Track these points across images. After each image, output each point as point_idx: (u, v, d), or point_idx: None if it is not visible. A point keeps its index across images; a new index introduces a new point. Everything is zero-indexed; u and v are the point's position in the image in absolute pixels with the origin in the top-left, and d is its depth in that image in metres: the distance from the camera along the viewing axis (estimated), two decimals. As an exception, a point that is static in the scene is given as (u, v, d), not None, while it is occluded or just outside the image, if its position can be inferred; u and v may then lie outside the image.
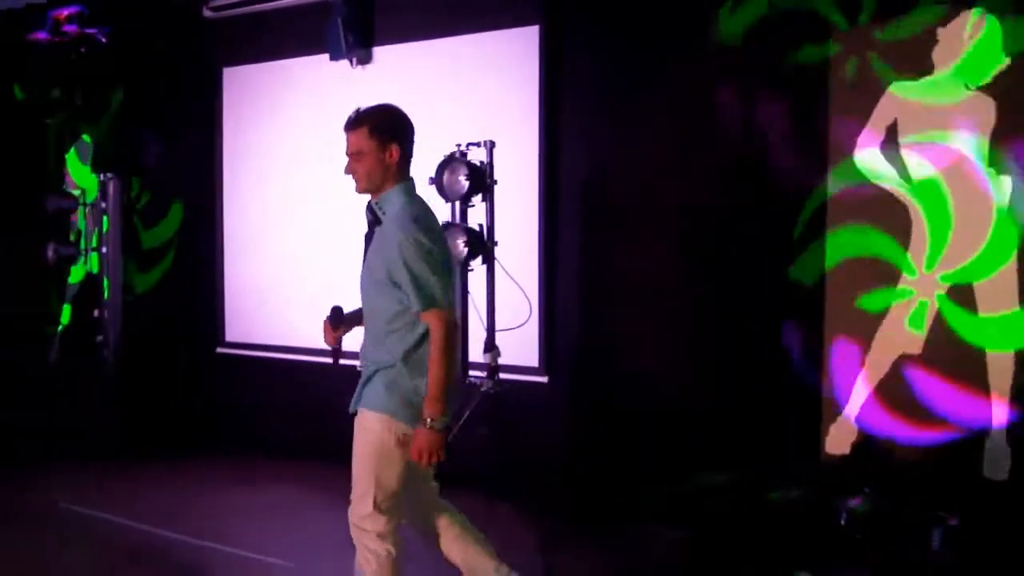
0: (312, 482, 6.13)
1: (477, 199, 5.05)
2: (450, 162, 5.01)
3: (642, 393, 5.37)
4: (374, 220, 3.33)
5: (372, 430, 3.28)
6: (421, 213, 3.26)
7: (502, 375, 5.10)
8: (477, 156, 5.05)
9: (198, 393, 7.26)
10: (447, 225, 4.99)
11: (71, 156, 8.02)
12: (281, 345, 6.84)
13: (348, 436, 6.38)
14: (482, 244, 5.03)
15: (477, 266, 5.06)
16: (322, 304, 6.63)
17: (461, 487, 5.56)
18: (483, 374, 5.04)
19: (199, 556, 4.87)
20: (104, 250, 7.03)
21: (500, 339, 5.08)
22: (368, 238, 3.39)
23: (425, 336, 3.22)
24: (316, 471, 6.33)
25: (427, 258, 3.13)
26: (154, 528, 5.21)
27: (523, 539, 4.77)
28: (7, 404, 7.71)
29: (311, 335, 6.53)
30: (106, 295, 7.01)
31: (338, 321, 3.52)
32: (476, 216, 5.06)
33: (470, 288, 5.08)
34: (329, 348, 3.57)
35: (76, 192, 7.56)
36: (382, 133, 3.25)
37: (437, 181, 5.01)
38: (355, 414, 3.39)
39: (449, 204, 5.05)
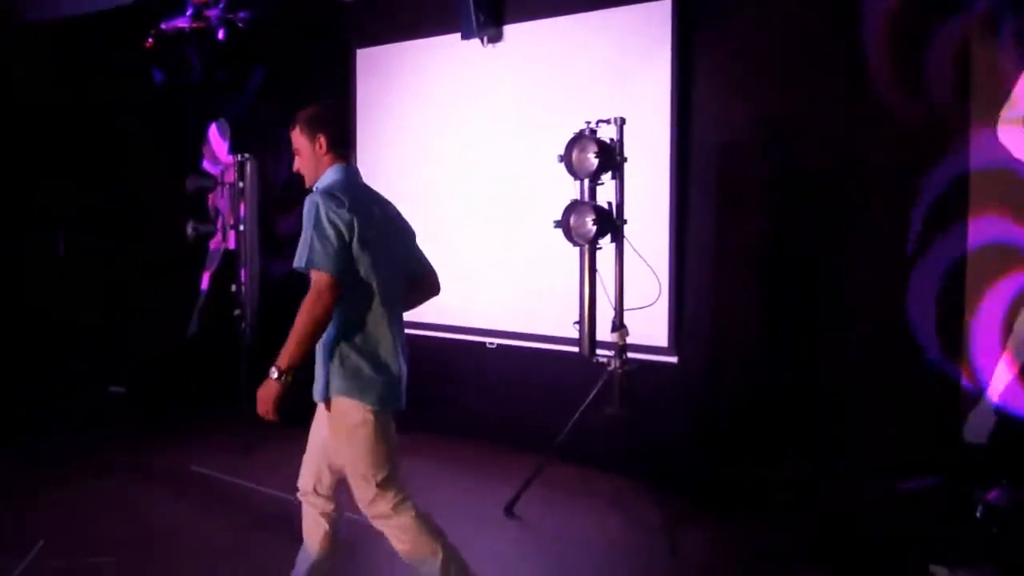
0: (433, 456, 6.22)
1: (606, 177, 5.00)
2: (579, 139, 4.97)
3: (772, 375, 5.26)
4: None
5: (345, 416, 3.40)
6: (340, 186, 3.36)
7: (630, 354, 5.05)
8: (607, 133, 4.99)
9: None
10: (575, 203, 4.96)
11: (210, 137, 8.31)
12: (410, 321, 6.91)
13: (472, 411, 6.48)
14: (611, 222, 4.97)
15: (606, 244, 5.02)
16: (453, 281, 6.74)
17: (587, 465, 5.61)
18: (611, 353, 5.01)
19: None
20: (242, 228, 7.26)
21: (628, 318, 5.03)
22: None
23: (365, 312, 3.35)
24: (438, 445, 6.44)
25: (320, 223, 3.21)
26: (281, 493, 5.36)
27: (648, 518, 4.74)
28: (149, 373, 8.10)
29: (438, 311, 6.70)
30: (243, 271, 7.24)
31: None
32: (605, 194, 5.01)
33: (599, 267, 5.04)
34: None
35: (215, 172, 7.84)
36: (310, 127, 3.46)
37: (566, 159, 4.98)
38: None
39: (578, 182, 5.01)
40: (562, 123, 5.20)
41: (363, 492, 3.40)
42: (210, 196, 7.90)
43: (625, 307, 5.03)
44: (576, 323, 5.06)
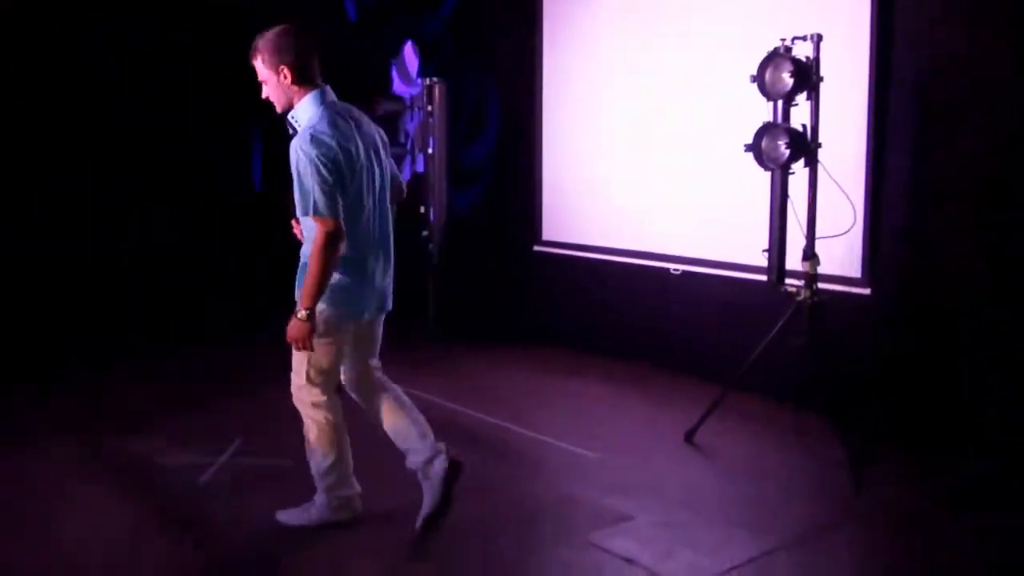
0: (620, 379, 6.25)
1: (801, 98, 4.76)
2: (773, 58, 4.75)
3: (969, 313, 4.94)
4: (292, 132, 3.54)
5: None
6: (323, 124, 3.44)
7: (820, 284, 4.86)
8: (802, 51, 4.75)
9: (514, 288, 7.56)
10: (768, 126, 4.77)
11: (404, 60, 8.45)
12: (593, 245, 6.94)
13: (653, 337, 6.44)
14: (804, 146, 4.75)
15: (799, 169, 4.80)
16: (631, 208, 6.67)
17: (769, 397, 5.49)
18: (800, 283, 4.83)
19: (505, 435, 5.15)
20: (431, 150, 7.40)
21: (820, 247, 4.82)
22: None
23: (354, 232, 3.55)
24: (624, 369, 6.45)
25: (316, 171, 3.35)
26: (464, 408, 5.52)
27: (831, 454, 4.60)
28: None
29: (620, 236, 6.66)
30: (431, 195, 7.39)
31: None
32: (799, 116, 4.79)
33: (790, 193, 4.85)
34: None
35: (406, 96, 7.98)
36: (271, 57, 3.49)
37: (759, 79, 4.77)
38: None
39: (770, 103, 4.81)
40: (756, 42, 4.98)
41: (296, 379, 3.74)
42: (400, 120, 8.06)
43: (817, 235, 4.83)
44: (765, 251, 4.90)
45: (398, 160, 7.91)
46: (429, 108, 7.40)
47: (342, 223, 3.42)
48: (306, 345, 3.51)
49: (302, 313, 3.46)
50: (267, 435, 4.86)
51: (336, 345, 3.70)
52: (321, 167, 3.36)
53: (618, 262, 6.67)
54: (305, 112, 3.52)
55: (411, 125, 7.99)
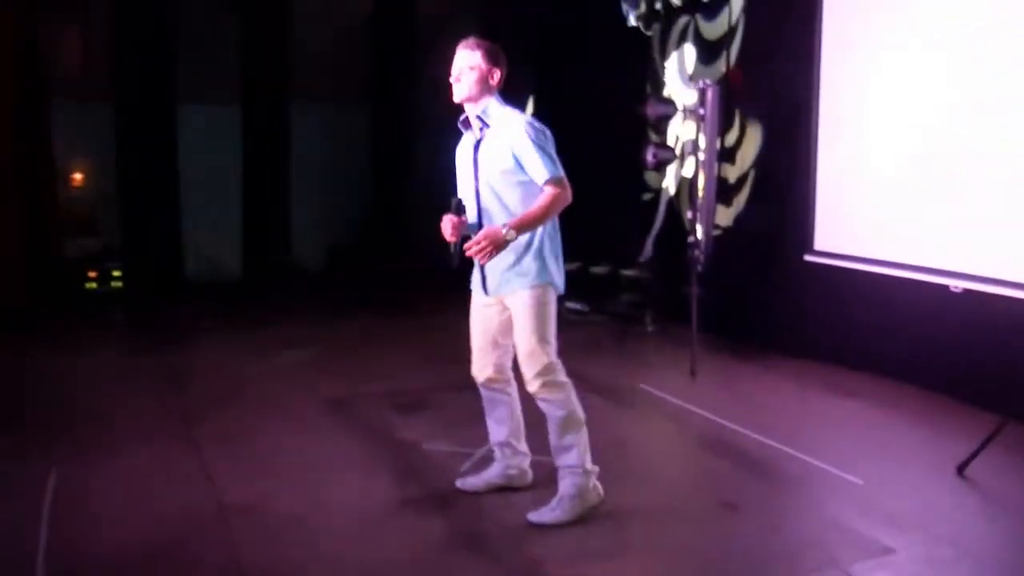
0: (889, 401, 5.92)
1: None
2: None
3: None
4: (480, 128, 3.98)
5: (537, 300, 3.94)
6: (530, 117, 3.99)
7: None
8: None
9: (783, 298, 7.34)
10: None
11: (672, 63, 8.42)
12: (867, 257, 6.57)
13: (937, 361, 6.01)
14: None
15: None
16: (908, 218, 6.24)
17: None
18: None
19: (770, 453, 4.98)
20: (700, 155, 7.32)
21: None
22: (474, 148, 4.02)
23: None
24: (893, 390, 6.11)
25: (549, 142, 3.88)
26: (730, 423, 5.43)
27: None
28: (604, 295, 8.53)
29: (897, 247, 6.28)
30: (700, 197, 7.31)
31: (461, 211, 3.95)
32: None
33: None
34: (451, 245, 3.91)
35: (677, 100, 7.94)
36: (491, 58, 3.96)
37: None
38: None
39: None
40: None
41: (541, 360, 3.95)
42: (669, 123, 8.03)
43: None
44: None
45: (665, 163, 7.89)
46: (701, 111, 7.32)
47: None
48: (485, 256, 3.70)
49: (511, 233, 3.72)
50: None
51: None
52: (549, 140, 3.90)
53: (894, 276, 6.28)
54: (497, 111, 3.99)
55: (682, 129, 7.94)
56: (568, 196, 3.85)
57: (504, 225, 3.74)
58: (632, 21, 8.70)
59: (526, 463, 4.36)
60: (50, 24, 9.41)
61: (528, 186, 3.89)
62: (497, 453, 4.36)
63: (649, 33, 8.74)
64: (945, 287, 5.90)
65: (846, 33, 6.77)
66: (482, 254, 3.70)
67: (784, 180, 7.38)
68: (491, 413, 4.30)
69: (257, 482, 4.49)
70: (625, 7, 8.71)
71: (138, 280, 9.73)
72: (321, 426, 5.45)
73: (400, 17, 11.00)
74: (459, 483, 4.39)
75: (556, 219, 4.01)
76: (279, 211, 10.62)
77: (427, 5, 10.96)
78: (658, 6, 8.46)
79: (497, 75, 3.97)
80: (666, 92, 8.34)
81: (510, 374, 4.25)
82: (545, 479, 4.25)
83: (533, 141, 3.84)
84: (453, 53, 4.01)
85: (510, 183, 3.91)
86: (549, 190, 3.81)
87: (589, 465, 4.03)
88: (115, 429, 5.34)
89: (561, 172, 3.84)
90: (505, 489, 4.31)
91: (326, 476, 4.61)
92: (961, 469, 4.67)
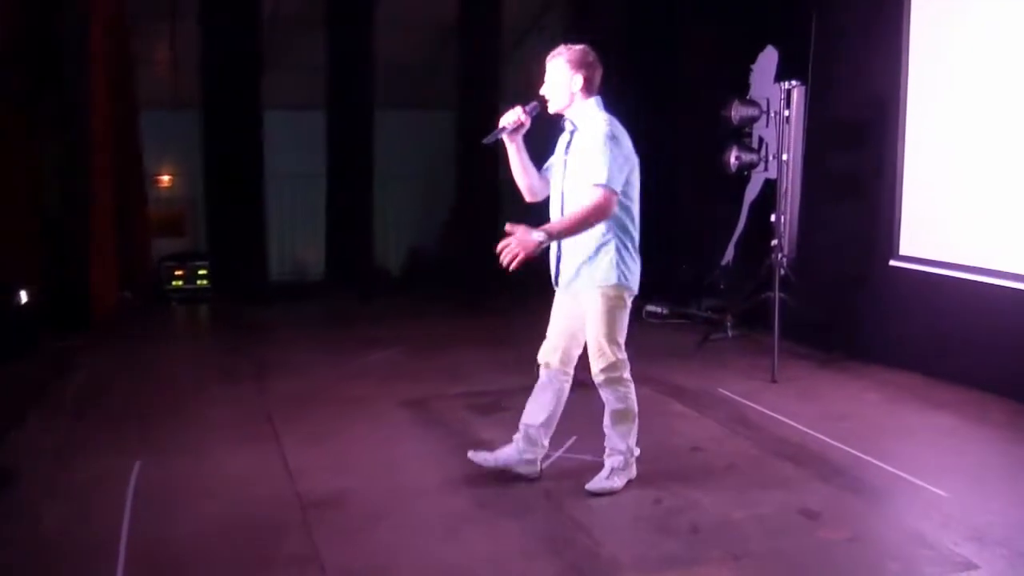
0: (977, 413, 5.75)
1: None
2: None
3: None
4: (571, 130, 4.16)
5: (608, 301, 4.12)
6: (617, 126, 4.08)
7: None
8: None
9: (867, 304, 7.18)
10: None
11: (760, 64, 8.32)
12: (960, 264, 6.39)
13: (1016, 370, 5.82)
14: None
15: None
16: (1000, 223, 6.05)
17: None
18: None
19: (855, 463, 4.88)
20: (785, 157, 7.21)
21: None
22: (566, 147, 4.18)
23: (627, 222, 4.13)
24: (982, 401, 5.93)
25: (618, 152, 3.97)
26: (814, 431, 5.34)
27: None
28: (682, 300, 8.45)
29: (987, 254, 6.09)
30: (784, 202, 7.21)
31: (534, 112, 4.12)
32: None
33: None
34: (511, 123, 4.11)
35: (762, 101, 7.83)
36: (571, 65, 4.08)
37: None
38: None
39: None
40: None
41: (610, 356, 4.16)
42: (755, 125, 7.92)
43: None
44: None
45: (749, 167, 7.79)
46: (786, 113, 7.22)
47: (620, 199, 4.01)
48: (519, 261, 3.72)
49: (543, 236, 3.79)
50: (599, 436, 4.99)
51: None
52: (621, 151, 4.00)
53: (983, 283, 6.10)
54: (585, 113, 4.11)
55: (767, 131, 7.83)
56: (610, 210, 3.96)
57: (541, 228, 3.82)
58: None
59: (540, 456, 4.49)
60: (140, 34, 9.69)
61: None
62: (521, 434, 4.45)
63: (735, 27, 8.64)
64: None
65: (934, 33, 6.61)
66: (512, 260, 3.74)
67: (869, 182, 7.22)
68: (537, 396, 4.42)
69: (338, 479, 4.58)
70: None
71: (224, 280, 9.96)
72: (401, 426, 5.53)
73: (485, 25, 11.04)
74: (471, 455, 4.57)
75: (636, 217, 4.16)
76: (362, 214, 10.76)
77: (511, 13, 10.98)
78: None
79: (581, 79, 4.08)
80: (751, 94, 8.24)
81: (572, 369, 4.37)
82: (555, 474, 4.48)
83: (603, 145, 3.96)
84: (538, 61, 4.14)
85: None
86: (595, 193, 3.92)
87: (635, 450, 4.39)
88: (199, 423, 5.51)
89: (614, 184, 3.95)
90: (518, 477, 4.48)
91: (406, 475, 4.68)
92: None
